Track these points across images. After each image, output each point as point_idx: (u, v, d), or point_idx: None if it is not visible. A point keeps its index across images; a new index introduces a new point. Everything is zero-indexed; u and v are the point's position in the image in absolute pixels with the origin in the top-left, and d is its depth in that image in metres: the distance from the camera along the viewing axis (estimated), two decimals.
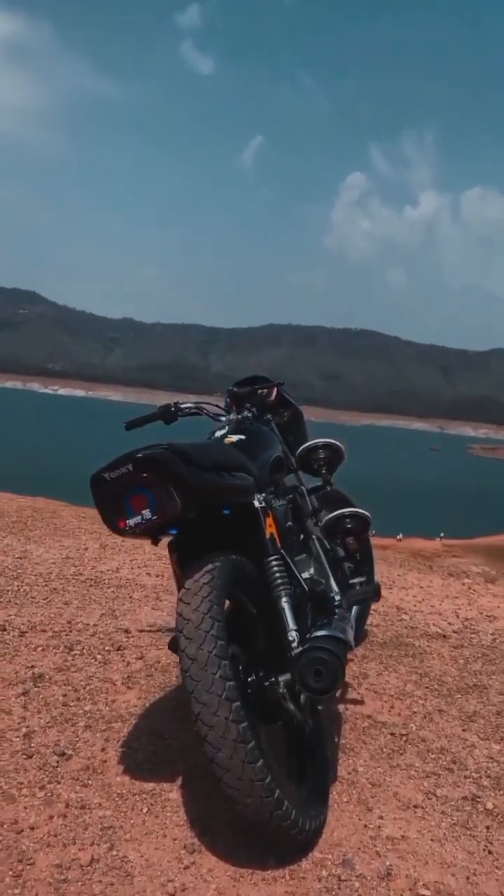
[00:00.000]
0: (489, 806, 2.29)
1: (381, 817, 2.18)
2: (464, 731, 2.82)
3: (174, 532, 2.18)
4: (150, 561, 5.38)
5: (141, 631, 3.70)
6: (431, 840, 2.09)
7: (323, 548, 2.92)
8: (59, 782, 2.21)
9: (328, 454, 3.14)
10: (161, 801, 2.17)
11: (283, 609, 2.19)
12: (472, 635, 4.20)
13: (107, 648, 3.38)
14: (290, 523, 2.64)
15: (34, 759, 2.33)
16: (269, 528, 2.31)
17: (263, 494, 2.36)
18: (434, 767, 2.51)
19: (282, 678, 2.11)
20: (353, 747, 2.61)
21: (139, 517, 1.91)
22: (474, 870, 1.97)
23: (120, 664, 3.20)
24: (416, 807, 2.25)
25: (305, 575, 2.71)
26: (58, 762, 2.32)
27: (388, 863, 1.96)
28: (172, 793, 2.21)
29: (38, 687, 2.87)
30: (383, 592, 5.25)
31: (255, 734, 1.82)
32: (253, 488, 2.27)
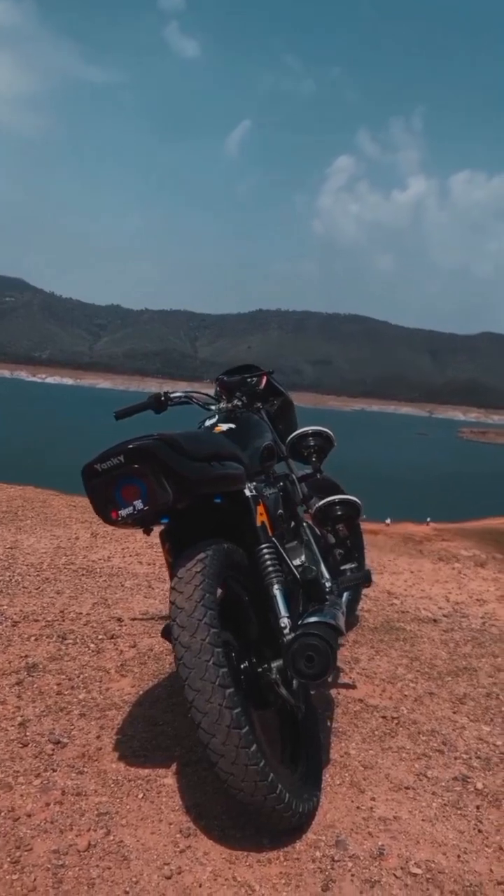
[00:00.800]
0: (479, 786, 2.33)
1: (373, 799, 2.22)
2: (454, 713, 2.86)
3: (165, 521, 2.19)
4: (142, 549, 5.40)
5: (133, 619, 3.72)
6: (423, 820, 2.13)
7: (314, 535, 2.94)
8: (54, 770, 2.23)
9: (318, 442, 3.16)
10: (156, 786, 2.19)
11: (275, 596, 2.21)
12: (462, 619, 4.24)
13: (100, 637, 3.40)
14: (280, 511, 2.66)
15: (29, 747, 2.35)
16: (261, 517, 2.33)
17: (254, 483, 2.38)
18: (425, 749, 2.55)
19: (274, 664, 2.14)
20: (345, 731, 2.64)
21: (131, 508, 1.92)
22: (465, 848, 2.01)
23: (113, 653, 3.22)
24: (407, 788, 2.29)
25: (297, 562, 2.73)
26: (53, 750, 2.35)
27: (380, 843, 2.00)
28: (167, 778, 2.24)
29: (32, 676, 2.89)
30: (374, 577, 5.31)
31: (248, 720, 1.85)
32: (244, 477, 2.29)
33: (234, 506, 2.29)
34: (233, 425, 2.75)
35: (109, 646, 3.31)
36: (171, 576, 2.21)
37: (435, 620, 4.07)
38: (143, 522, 2.03)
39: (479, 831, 2.10)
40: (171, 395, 2.94)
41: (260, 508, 2.34)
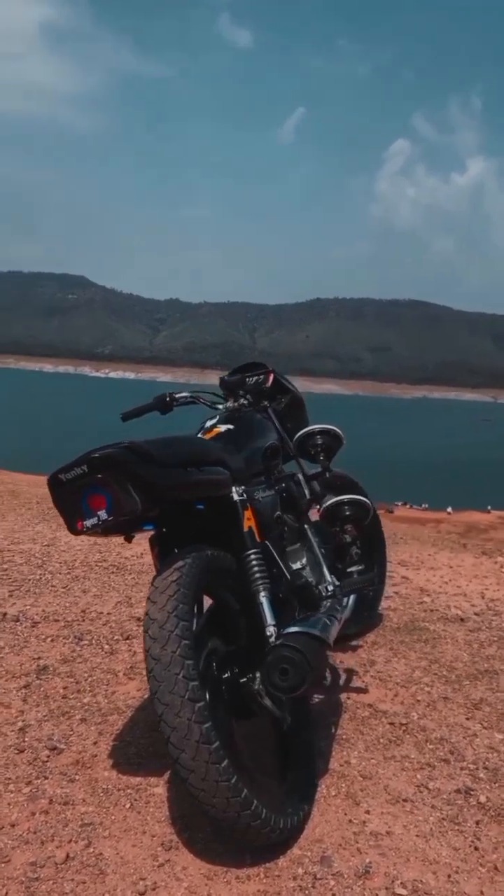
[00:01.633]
0: (482, 799, 2.22)
1: (367, 812, 2.14)
2: (467, 719, 2.75)
3: (149, 528, 2.16)
4: None
5: None
6: (416, 836, 2.04)
7: (322, 536, 2.87)
8: (46, 778, 2.23)
9: (325, 440, 3.07)
10: (145, 796, 2.17)
11: (261, 604, 2.15)
12: (494, 617, 4.09)
13: (116, 638, 3.40)
14: (279, 513, 2.59)
15: (25, 753, 2.36)
16: (248, 522, 2.27)
17: (243, 487, 2.32)
18: (430, 758, 2.45)
19: (258, 674, 2.08)
20: (349, 738, 2.57)
21: (95, 518, 1.89)
22: (457, 867, 1.92)
23: (126, 654, 3.22)
24: (405, 800, 2.20)
25: (297, 565, 2.67)
26: (48, 757, 2.35)
27: (367, 860, 1.93)
28: (158, 787, 2.21)
29: (41, 679, 2.90)
30: (410, 574, 5.19)
31: (219, 734, 1.79)
32: (228, 482, 2.23)
33: (220, 511, 2.24)
34: (231, 426, 2.70)
35: (123, 647, 3.30)
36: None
37: (462, 619, 3.94)
38: (113, 531, 2.00)
39: (476, 849, 2.00)
40: (177, 396, 2.92)
41: (248, 513, 2.28)
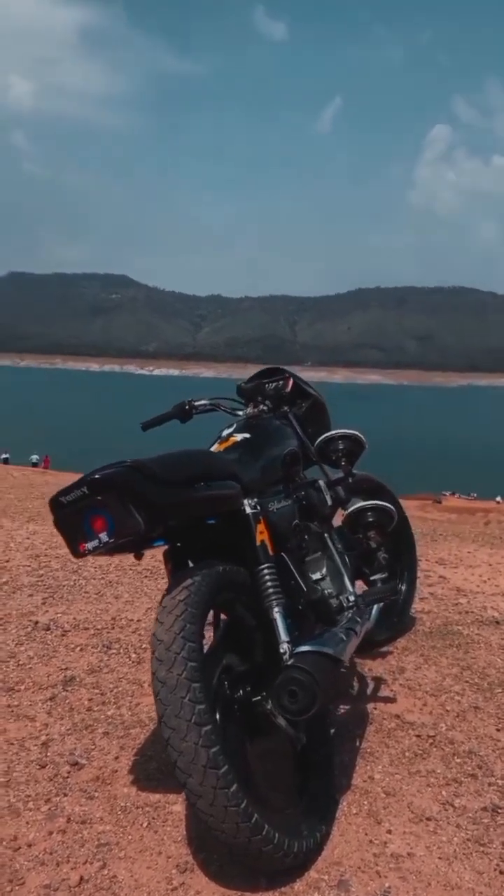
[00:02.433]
0: None
1: (389, 832, 2.08)
2: (498, 730, 2.66)
3: (160, 544, 2.13)
4: None
5: None
6: (439, 858, 1.97)
7: (342, 543, 2.81)
8: (65, 795, 2.22)
9: (347, 445, 3.01)
10: (163, 814, 2.14)
11: (275, 620, 2.11)
12: None
13: (143, 646, 3.39)
14: (297, 521, 2.54)
15: (47, 769, 2.36)
16: (261, 535, 2.22)
17: (256, 499, 2.27)
18: (457, 773, 2.38)
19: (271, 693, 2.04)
20: (373, 751, 2.51)
21: (96, 540, 1.87)
22: (480, 892, 1.85)
23: None
24: (429, 819, 2.14)
25: (317, 575, 2.62)
26: (69, 773, 2.34)
27: (386, 884, 1.87)
28: (177, 805, 2.19)
29: (67, 691, 2.91)
30: (448, 573, 5.08)
31: (228, 758, 1.76)
32: (237, 495, 2.18)
33: (232, 525, 2.20)
34: (248, 434, 2.66)
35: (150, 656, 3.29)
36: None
37: (498, 622, 3.83)
38: (117, 551, 1.98)
39: (501, 872, 1.92)
40: (196, 404, 2.90)
41: (260, 526, 2.23)
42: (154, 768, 2.38)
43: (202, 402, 2.93)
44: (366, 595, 2.68)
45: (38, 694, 2.88)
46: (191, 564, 2.13)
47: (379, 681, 3.04)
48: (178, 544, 2.20)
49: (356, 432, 3.03)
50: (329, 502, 2.87)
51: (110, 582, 4.54)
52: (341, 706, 2.81)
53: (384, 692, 2.95)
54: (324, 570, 2.63)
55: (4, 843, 2.00)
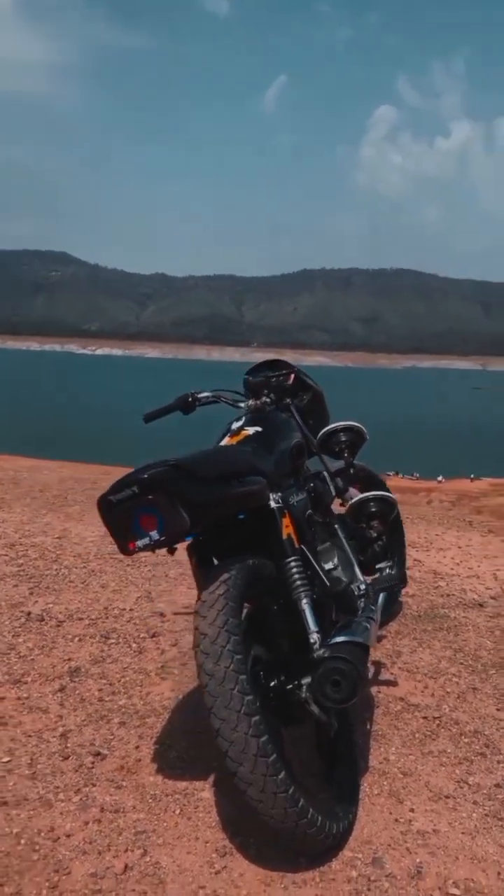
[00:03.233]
0: None
1: (412, 810, 2.19)
2: (498, 710, 2.80)
3: (189, 538, 2.17)
4: None
5: (176, 614, 3.75)
6: (462, 833, 2.09)
7: (347, 533, 2.89)
8: (94, 785, 2.26)
9: (349, 437, 3.09)
10: (193, 801, 2.20)
11: (304, 611, 2.18)
12: None
13: (142, 636, 3.43)
14: (310, 512, 2.61)
15: (70, 760, 2.39)
16: (287, 529, 2.28)
17: (280, 493, 2.33)
18: (467, 753, 2.50)
19: (304, 681, 2.11)
20: (385, 734, 2.61)
21: (147, 538, 1.91)
22: None
23: (155, 652, 3.25)
24: (447, 797, 2.25)
25: (329, 565, 2.69)
26: (93, 763, 2.38)
27: (418, 860, 1.97)
28: (205, 792, 2.25)
29: (75, 682, 2.93)
30: (422, 556, 5.24)
31: (275, 746, 1.83)
32: (265, 490, 2.24)
33: (259, 519, 2.25)
34: (259, 428, 2.70)
35: (151, 645, 3.34)
36: (199, 591, 2.20)
37: (481, 605, 3.99)
38: (158, 547, 2.02)
39: None
40: (199, 396, 2.91)
41: (286, 520, 2.29)
42: (175, 756, 2.44)
43: (205, 394, 2.95)
44: (375, 583, 2.77)
45: (47, 685, 2.90)
46: (214, 559, 2.18)
47: (379, 665, 3.15)
48: (200, 538, 2.25)
49: (358, 424, 3.11)
50: (333, 493, 2.94)
51: (93, 571, 4.54)
52: None
53: (386, 676, 3.06)
54: (335, 560, 2.70)
55: (42, 834, 2.03)
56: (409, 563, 4.92)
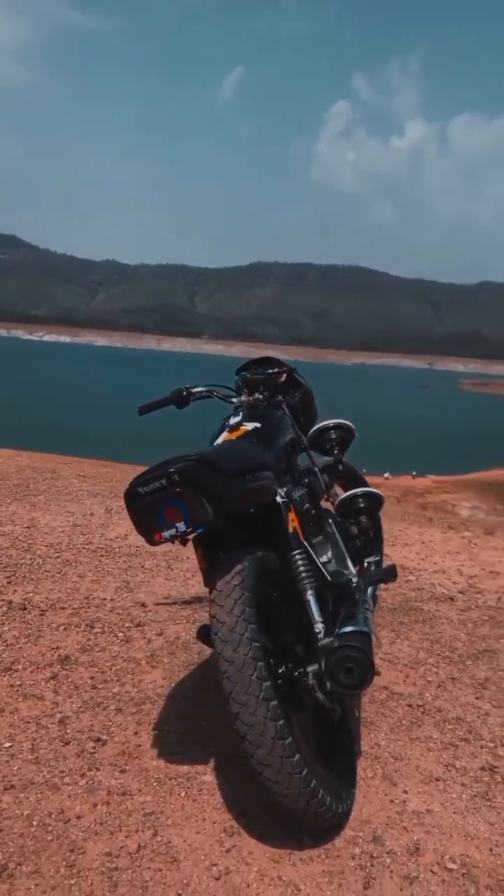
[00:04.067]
0: None
1: (405, 791, 2.31)
2: (477, 698, 2.95)
3: (200, 530, 2.24)
4: None
5: (157, 604, 3.80)
6: (454, 813, 2.22)
7: (337, 526, 2.99)
8: (98, 769, 2.32)
9: (339, 434, 3.19)
10: (197, 784, 2.28)
11: (309, 601, 2.27)
12: (478, 595, 4.32)
13: (126, 625, 3.48)
14: (307, 505, 2.70)
15: (71, 745, 2.44)
16: (292, 523, 2.37)
17: (285, 488, 2.41)
18: (451, 738, 2.64)
19: (310, 668, 2.21)
20: (373, 721, 2.73)
21: (174, 529, 1.97)
22: (496, 841, 2.10)
23: (141, 641, 3.30)
24: (437, 779, 2.38)
25: (324, 558, 2.79)
26: (94, 748, 2.43)
27: (415, 837, 2.09)
28: (207, 776, 2.33)
29: (66, 670, 2.97)
30: (388, 550, 5.38)
31: (290, 730, 1.92)
32: (274, 485, 2.32)
33: (266, 513, 2.33)
34: (258, 424, 2.77)
35: (137, 634, 3.39)
36: (205, 580, 2.27)
37: (451, 599, 4.15)
38: (186, 538, 2.09)
39: None
40: (193, 391, 2.97)
41: (291, 515, 2.38)
42: (175, 742, 2.51)
43: (199, 388, 3.01)
44: (366, 577, 2.87)
45: (38, 673, 2.93)
46: (220, 550, 2.25)
47: None
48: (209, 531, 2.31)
49: (348, 422, 3.21)
50: (323, 488, 3.04)
51: (67, 561, 4.54)
52: None
53: None
54: (329, 554, 2.80)
55: (53, 816, 2.08)
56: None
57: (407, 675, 3.12)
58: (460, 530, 6.65)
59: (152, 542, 2.03)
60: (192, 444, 2.18)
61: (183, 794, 2.23)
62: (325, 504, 3.17)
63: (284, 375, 3.16)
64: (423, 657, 3.30)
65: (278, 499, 2.36)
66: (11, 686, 2.81)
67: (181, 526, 1.97)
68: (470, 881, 1.94)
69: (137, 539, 5.20)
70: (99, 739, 2.48)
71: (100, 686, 2.86)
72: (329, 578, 2.52)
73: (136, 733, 2.55)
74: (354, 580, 2.75)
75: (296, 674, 2.21)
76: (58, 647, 3.18)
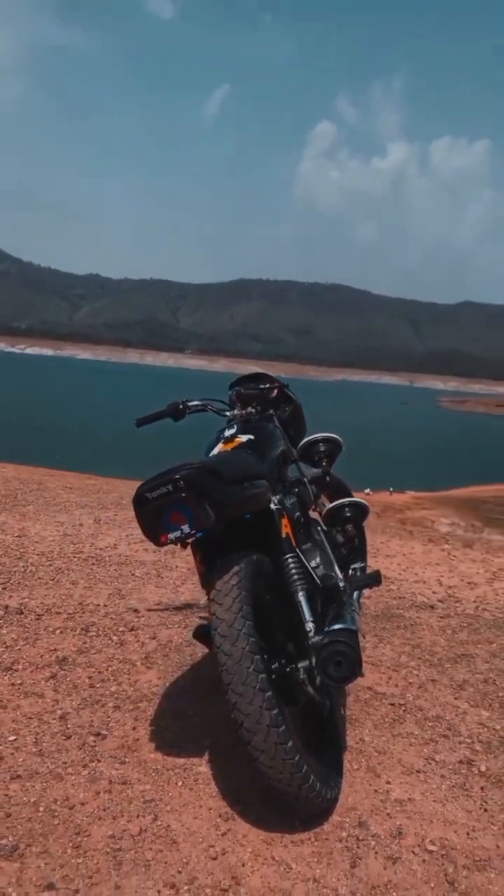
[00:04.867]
0: (483, 769, 2.58)
1: (388, 782, 2.46)
2: (455, 699, 3.11)
3: (199, 534, 2.39)
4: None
5: (149, 610, 3.94)
6: (434, 801, 2.37)
7: (325, 535, 3.15)
8: (99, 761, 2.44)
9: (328, 447, 3.36)
10: (193, 774, 2.42)
11: (300, 602, 2.43)
12: (457, 604, 4.50)
13: (121, 629, 3.61)
14: (297, 514, 2.86)
15: (73, 739, 2.57)
16: (285, 529, 2.53)
17: (279, 496, 2.58)
18: (431, 734, 2.80)
19: (301, 665, 2.36)
20: (358, 718, 2.88)
21: (179, 531, 2.13)
22: (473, 826, 2.26)
23: (135, 644, 3.43)
24: (418, 771, 2.54)
25: (313, 564, 2.94)
26: (95, 742, 2.56)
27: (398, 823, 2.24)
28: (202, 767, 2.47)
29: (65, 670, 3.09)
30: (370, 562, 5.55)
31: (284, 719, 2.07)
32: (268, 492, 2.48)
33: (261, 519, 2.49)
34: (251, 436, 2.93)
35: (131, 638, 3.52)
36: (203, 583, 2.42)
37: (431, 607, 4.32)
38: (189, 540, 2.24)
39: (485, 810, 2.35)
40: (189, 404, 3.12)
41: (284, 521, 2.54)
42: (171, 737, 2.64)
43: (194, 402, 3.16)
44: (352, 582, 3.03)
45: (38, 673, 3.05)
46: (217, 556, 2.40)
47: None
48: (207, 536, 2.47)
49: (336, 436, 3.38)
50: (312, 498, 3.21)
51: (60, 569, 4.66)
52: None
53: None
54: (318, 559, 2.95)
55: (58, 802, 2.21)
56: None
57: (390, 676, 3.28)
58: (440, 543, 6.84)
59: (158, 544, 2.19)
60: (169, 459, 2.32)
61: (180, 783, 2.37)
62: (313, 513, 3.33)
63: (276, 391, 3.32)
64: (404, 660, 3.46)
65: (272, 506, 2.52)
66: (13, 685, 2.93)
67: (185, 528, 2.13)
68: (448, 861, 2.10)
69: (127, 549, 5.37)
70: (99, 734, 2.61)
71: (97, 685, 2.99)
72: (318, 582, 2.67)
73: (134, 728, 2.68)
74: (342, 584, 2.91)
75: (288, 669, 2.36)
76: (55, 649, 3.30)
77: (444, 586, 5.03)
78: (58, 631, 3.53)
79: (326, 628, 2.33)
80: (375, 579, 3.11)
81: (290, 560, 2.49)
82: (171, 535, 2.15)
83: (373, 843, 2.15)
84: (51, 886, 1.87)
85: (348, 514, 3.24)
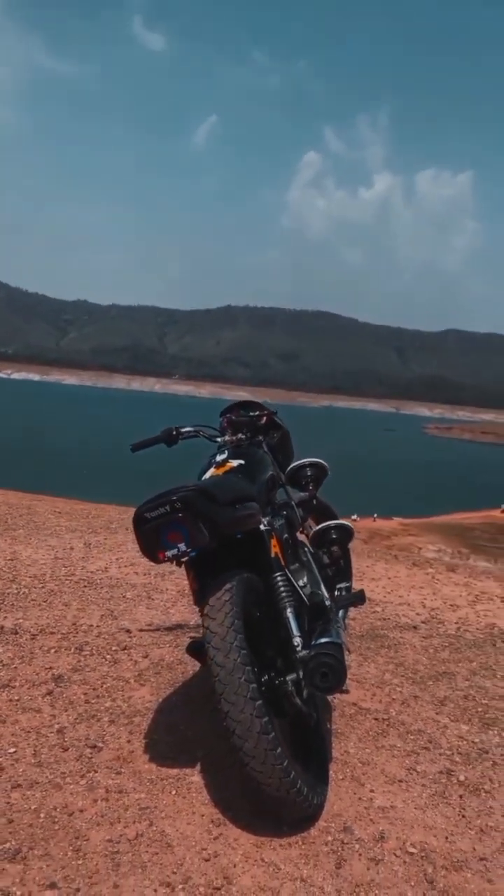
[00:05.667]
0: (461, 778, 2.71)
1: (372, 791, 2.59)
2: (437, 714, 3.24)
3: (193, 554, 2.53)
4: (136, 560, 5.70)
5: (141, 630, 4.05)
6: (415, 808, 2.50)
7: (312, 556, 3.30)
8: (96, 771, 2.56)
9: (314, 472, 3.51)
10: (186, 784, 2.53)
11: (289, 618, 2.57)
12: (439, 625, 4.64)
13: (114, 649, 3.72)
14: (286, 535, 3.01)
15: (70, 751, 2.68)
16: (274, 549, 2.68)
17: (268, 518, 2.73)
18: (413, 747, 2.93)
19: (289, 677, 2.49)
20: (343, 731, 3.01)
21: (175, 549, 2.27)
22: (451, 831, 2.39)
23: (128, 663, 3.55)
24: (400, 781, 2.66)
25: (300, 582, 3.09)
26: (91, 754, 2.67)
27: (381, 828, 2.37)
28: (194, 777, 2.58)
29: (60, 687, 3.20)
30: (355, 584, 5.69)
31: (273, 727, 2.20)
32: (258, 514, 2.63)
33: (251, 539, 2.64)
34: (242, 461, 3.08)
35: (124, 657, 3.63)
36: (196, 600, 2.56)
37: (415, 627, 4.46)
38: (185, 558, 2.38)
39: (463, 816, 2.48)
40: (182, 430, 3.27)
41: (273, 541, 2.69)
42: (165, 749, 2.76)
43: (187, 428, 3.31)
44: (337, 601, 3.17)
45: (35, 690, 3.16)
46: (209, 574, 2.54)
47: None
48: (200, 556, 2.61)
49: (321, 461, 3.54)
50: (299, 521, 3.36)
51: (52, 591, 4.77)
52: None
53: None
54: (305, 579, 3.10)
55: (58, 809, 2.32)
56: None
57: (374, 693, 3.41)
58: (424, 567, 6.99)
59: (156, 561, 2.33)
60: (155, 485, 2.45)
61: (174, 792, 2.48)
62: (300, 535, 3.48)
63: (265, 418, 3.48)
64: (388, 678, 3.59)
65: (262, 527, 2.67)
66: (10, 701, 3.04)
67: (182, 547, 2.27)
68: (428, 863, 2.22)
69: (118, 572, 5.49)
70: (95, 746, 2.73)
71: (93, 701, 3.10)
72: (306, 599, 2.81)
73: (128, 741, 2.79)
74: (328, 602, 3.05)
75: (277, 682, 2.50)
76: (51, 668, 3.41)
77: (428, 608, 5.17)
78: (52, 650, 3.64)
79: (313, 642, 2.47)
80: (360, 598, 3.25)
81: (278, 578, 2.63)
82: (168, 553, 2.29)
83: (357, 846, 2.27)
84: (53, 886, 1.98)
85: (334, 536, 3.39)
